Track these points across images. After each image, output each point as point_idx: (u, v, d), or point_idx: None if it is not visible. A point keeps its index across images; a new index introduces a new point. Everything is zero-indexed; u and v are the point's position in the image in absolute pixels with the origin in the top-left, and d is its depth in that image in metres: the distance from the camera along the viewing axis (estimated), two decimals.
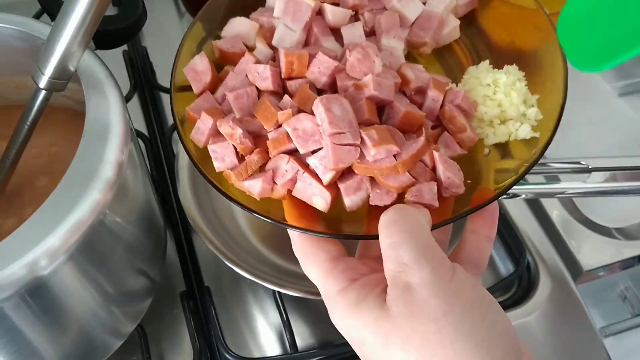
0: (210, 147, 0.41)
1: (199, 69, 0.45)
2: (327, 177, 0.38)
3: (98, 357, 0.49)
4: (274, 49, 0.46)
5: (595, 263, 0.69)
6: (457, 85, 0.46)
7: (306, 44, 0.47)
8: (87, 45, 0.40)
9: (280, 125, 0.40)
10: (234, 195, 0.40)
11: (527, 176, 0.63)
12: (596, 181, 0.60)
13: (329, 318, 0.63)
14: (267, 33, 0.47)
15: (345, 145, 0.38)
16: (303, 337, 0.60)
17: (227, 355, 0.55)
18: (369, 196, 0.39)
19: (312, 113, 0.39)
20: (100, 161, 0.39)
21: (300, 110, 0.40)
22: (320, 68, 0.42)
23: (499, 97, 0.44)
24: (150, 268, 0.52)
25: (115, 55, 0.78)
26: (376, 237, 0.35)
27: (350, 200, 0.39)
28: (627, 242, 0.71)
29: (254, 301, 0.62)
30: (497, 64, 0.47)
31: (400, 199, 0.39)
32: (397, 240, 0.33)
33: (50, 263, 0.36)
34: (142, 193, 0.48)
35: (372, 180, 0.39)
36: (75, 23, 0.38)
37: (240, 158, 0.40)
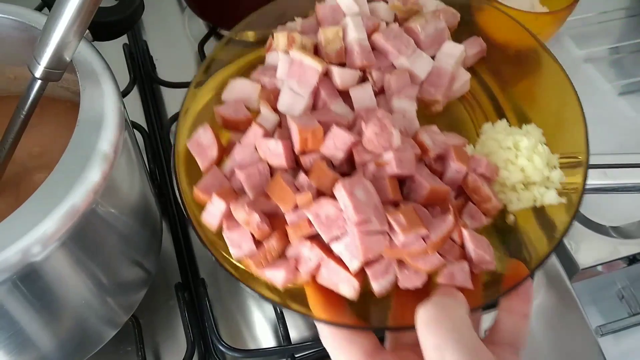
0: (225, 235, 0.39)
1: (203, 142, 0.42)
2: (354, 265, 0.36)
3: (91, 347, 0.50)
4: (279, 112, 0.44)
5: (591, 261, 0.69)
6: (474, 146, 0.44)
7: (313, 107, 0.44)
8: (83, 35, 0.40)
9: (298, 206, 0.38)
10: (254, 284, 0.38)
11: None
12: (593, 178, 0.60)
13: None
14: (270, 95, 0.45)
15: (373, 233, 0.36)
16: (299, 330, 0.61)
17: (221, 347, 0.55)
18: (396, 278, 0.38)
19: (332, 193, 0.37)
20: (93, 151, 0.39)
21: (319, 192, 0.38)
22: (336, 142, 0.39)
23: (522, 162, 0.42)
24: (145, 259, 0.53)
25: (116, 49, 0.78)
26: (412, 327, 0.33)
27: (379, 285, 0.37)
28: (624, 241, 0.71)
29: (249, 294, 0.63)
30: (516, 118, 0.45)
31: (430, 278, 0.37)
32: (441, 343, 0.31)
33: (42, 250, 0.36)
34: (137, 184, 0.48)
35: (400, 261, 0.37)
36: (70, 13, 0.38)
37: (258, 242, 0.38)
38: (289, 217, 0.38)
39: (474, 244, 0.37)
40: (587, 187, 0.59)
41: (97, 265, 0.44)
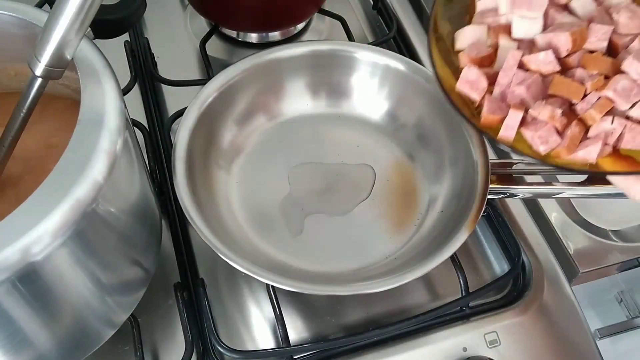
0: (535, 135, 0.44)
1: (472, 78, 0.48)
2: None
3: (90, 346, 0.49)
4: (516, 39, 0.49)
5: (591, 265, 0.69)
6: None
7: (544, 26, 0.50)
8: (84, 33, 0.40)
9: (585, 96, 0.44)
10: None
11: (524, 176, 0.63)
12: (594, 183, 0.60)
13: (324, 312, 0.63)
14: (498, 31, 0.50)
15: None
16: (297, 331, 0.61)
17: (219, 347, 0.55)
18: None
19: (612, 74, 0.44)
20: (94, 150, 0.38)
21: (605, 76, 0.45)
22: (598, 36, 0.46)
23: None
24: (144, 258, 0.53)
25: (117, 46, 0.78)
26: None
27: None
28: (624, 245, 0.71)
29: (248, 294, 0.63)
30: None
31: None
32: None
33: (42, 249, 0.36)
34: (137, 183, 0.48)
35: None
36: (72, 11, 0.38)
37: (560, 134, 0.45)
38: (580, 105, 0.44)
39: None
40: (589, 192, 0.59)
41: (97, 264, 0.44)
